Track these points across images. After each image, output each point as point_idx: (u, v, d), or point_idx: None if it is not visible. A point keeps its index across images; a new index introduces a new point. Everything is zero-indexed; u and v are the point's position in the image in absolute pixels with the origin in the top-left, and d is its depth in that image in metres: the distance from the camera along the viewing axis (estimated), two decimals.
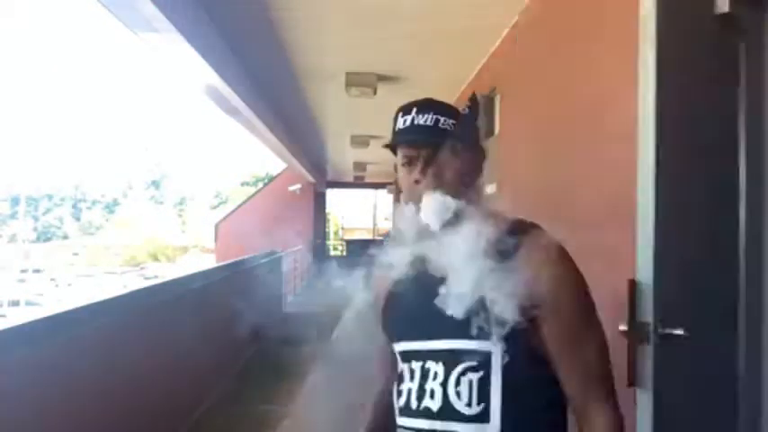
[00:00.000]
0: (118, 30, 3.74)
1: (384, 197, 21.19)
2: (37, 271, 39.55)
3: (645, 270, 1.50)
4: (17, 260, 40.99)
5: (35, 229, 54.14)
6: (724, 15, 1.56)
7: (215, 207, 56.62)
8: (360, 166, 14.55)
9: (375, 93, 6.14)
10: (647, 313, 1.45)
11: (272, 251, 10.07)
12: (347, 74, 6.02)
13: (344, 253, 20.51)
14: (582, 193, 3.13)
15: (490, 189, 6.19)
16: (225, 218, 19.76)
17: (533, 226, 1.16)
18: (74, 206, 57.87)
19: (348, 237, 23.83)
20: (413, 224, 1.16)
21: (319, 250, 17.59)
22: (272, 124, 7.94)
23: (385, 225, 23.26)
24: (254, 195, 20.54)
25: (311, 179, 16.31)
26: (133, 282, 26.79)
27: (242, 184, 52.81)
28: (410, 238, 1.19)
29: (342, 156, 12.90)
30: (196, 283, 4.61)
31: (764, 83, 1.63)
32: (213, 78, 5.00)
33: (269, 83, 6.62)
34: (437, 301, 1.07)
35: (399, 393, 1.14)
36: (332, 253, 21.70)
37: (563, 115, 3.49)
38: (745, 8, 1.59)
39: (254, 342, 7.25)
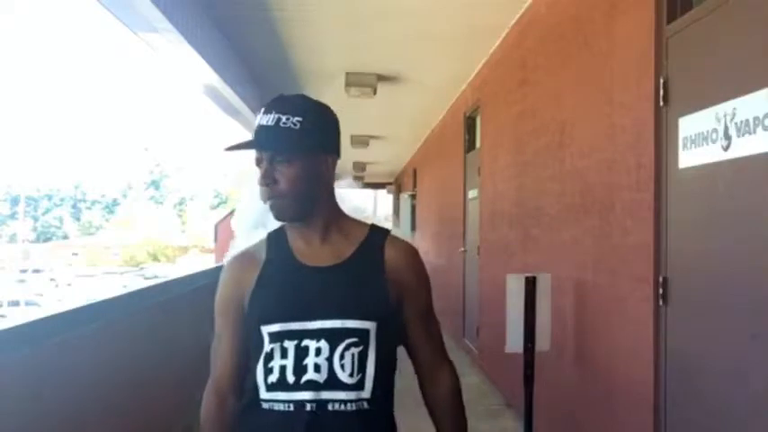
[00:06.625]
0: (118, 30, 3.74)
1: (384, 197, 21.16)
2: (37, 271, 39.54)
3: None
4: (17, 260, 41.00)
5: (35, 229, 54.14)
6: None
7: (215, 207, 56.61)
8: (359, 166, 14.54)
9: (375, 93, 6.14)
10: None
11: None
12: (347, 74, 6.02)
13: None
14: (548, 196, 3.79)
15: (472, 194, 6.24)
16: (225, 218, 19.78)
17: (388, 230, 1.40)
18: (74, 206, 57.87)
19: None
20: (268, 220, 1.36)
21: None
22: None
23: (385, 225, 23.22)
24: None
25: None
26: (133, 282, 26.79)
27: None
28: (273, 231, 1.38)
29: (342, 156, 12.88)
30: (195, 282, 4.60)
31: None
32: (213, 78, 5.00)
33: (269, 83, 6.62)
34: (316, 286, 1.28)
35: (269, 371, 1.26)
36: None
37: (533, 133, 4.12)
38: None
39: None
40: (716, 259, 2.06)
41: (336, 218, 1.36)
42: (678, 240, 2.29)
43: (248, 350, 1.33)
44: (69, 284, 36.57)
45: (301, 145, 1.26)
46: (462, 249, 6.79)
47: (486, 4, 4.26)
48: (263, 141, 1.28)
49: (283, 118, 1.25)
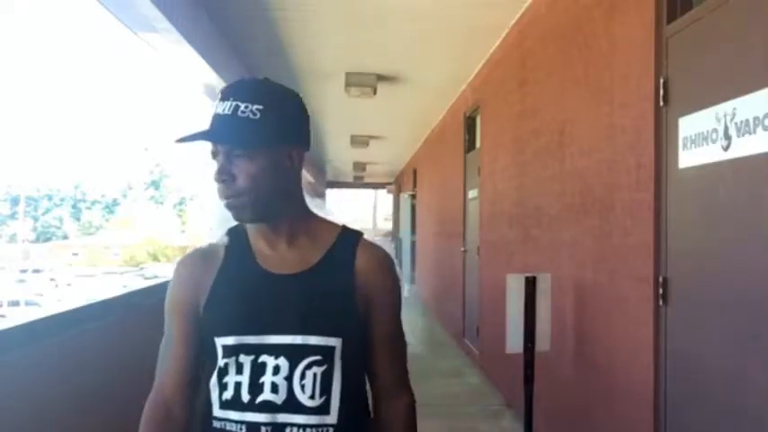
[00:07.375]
0: (118, 30, 3.74)
1: (384, 197, 21.17)
2: (37, 271, 39.52)
3: None
4: (17, 260, 40.98)
5: (35, 229, 54.10)
6: None
7: None
8: (359, 166, 14.56)
9: (375, 93, 6.14)
10: None
11: None
12: (347, 74, 6.02)
13: None
14: (548, 196, 3.80)
15: (472, 194, 6.24)
16: None
17: (361, 233, 1.25)
18: (74, 206, 57.83)
19: None
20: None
21: None
22: None
23: (385, 225, 23.25)
24: None
25: (311, 179, 16.33)
26: (133, 282, 26.80)
27: None
28: (234, 233, 1.24)
29: (342, 156, 12.91)
30: None
31: None
32: (213, 78, 5.00)
33: None
34: (277, 297, 1.13)
35: (223, 387, 1.14)
36: None
37: (533, 133, 4.12)
38: None
39: None
40: (716, 259, 2.06)
41: (303, 218, 1.21)
42: (678, 240, 2.29)
43: (200, 359, 1.20)
44: (69, 284, 36.55)
45: (262, 137, 1.10)
46: (462, 249, 6.79)
47: (486, 4, 4.26)
48: (219, 133, 1.11)
49: (242, 106, 1.09)
